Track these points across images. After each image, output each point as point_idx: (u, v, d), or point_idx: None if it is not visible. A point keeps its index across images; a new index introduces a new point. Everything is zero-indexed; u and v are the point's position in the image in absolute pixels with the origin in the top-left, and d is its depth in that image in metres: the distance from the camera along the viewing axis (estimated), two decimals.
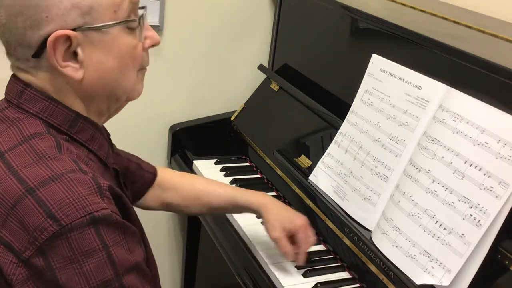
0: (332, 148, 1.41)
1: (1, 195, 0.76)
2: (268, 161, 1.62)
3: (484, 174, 1.03)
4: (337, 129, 1.41)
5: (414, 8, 1.57)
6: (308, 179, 1.44)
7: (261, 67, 1.86)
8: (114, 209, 0.79)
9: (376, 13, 1.43)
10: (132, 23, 0.86)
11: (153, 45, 0.91)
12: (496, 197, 1.00)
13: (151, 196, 1.26)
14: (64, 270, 0.74)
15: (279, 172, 1.55)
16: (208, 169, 1.70)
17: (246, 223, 1.43)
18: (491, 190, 1.01)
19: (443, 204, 1.08)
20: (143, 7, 0.89)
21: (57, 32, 0.79)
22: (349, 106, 1.39)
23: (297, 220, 1.22)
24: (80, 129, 0.87)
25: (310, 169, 1.46)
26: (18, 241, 0.74)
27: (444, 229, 1.07)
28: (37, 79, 0.84)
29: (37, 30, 0.79)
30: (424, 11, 1.54)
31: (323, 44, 1.65)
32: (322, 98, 1.59)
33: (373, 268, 1.20)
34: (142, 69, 0.92)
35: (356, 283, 1.26)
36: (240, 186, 1.59)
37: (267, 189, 1.60)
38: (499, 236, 1.01)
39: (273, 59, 1.89)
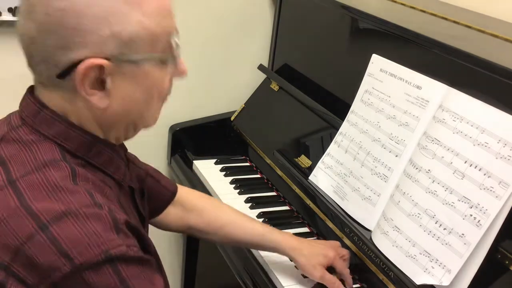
0: (332, 148, 1.41)
1: (13, 230, 0.72)
2: (268, 161, 1.62)
3: (484, 174, 1.03)
4: (337, 129, 1.41)
5: (414, 8, 1.57)
6: (308, 179, 1.44)
7: (261, 67, 1.86)
8: (131, 243, 0.76)
9: (376, 13, 1.43)
10: (168, 58, 0.83)
11: (180, 77, 0.88)
12: (496, 197, 1.00)
13: (173, 215, 1.20)
14: None
15: (279, 172, 1.55)
16: (208, 169, 1.70)
17: None
18: (491, 190, 1.01)
19: (443, 204, 1.08)
20: (177, 32, 0.85)
21: (91, 61, 0.75)
22: (349, 106, 1.39)
23: (329, 252, 1.20)
24: (96, 153, 0.83)
25: (310, 169, 1.46)
26: (31, 276, 0.71)
27: (444, 229, 1.07)
28: (56, 97, 0.80)
29: (69, 52, 0.75)
30: (424, 11, 1.54)
31: (323, 44, 1.65)
32: (322, 98, 1.59)
33: (373, 268, 1.20)
34: (164, 98, 0.88)
35: (356, 283, 1.26)
36: (240, 186, 1.59)
37: (267, 189, 1.60)
38: (499, 236, 1.01)
39: (273, 59, 1.89)
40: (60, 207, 0.73)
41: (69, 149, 0.81)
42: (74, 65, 0.76)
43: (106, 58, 0.76)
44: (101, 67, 0.76)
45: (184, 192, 1.22)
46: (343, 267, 1.21)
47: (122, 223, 0.76)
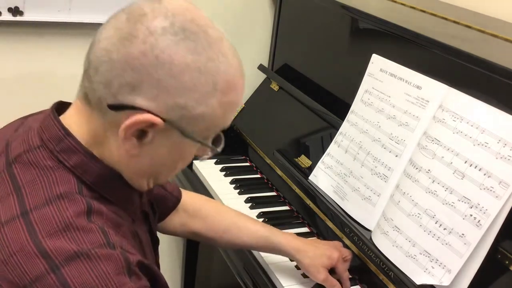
0: (332, 148, 1.41)
1: (22, 268, 0.69)
2: (268, 161, 1.62)
3: (484, 174, 1.03)
4: (337, 129, 1.41)
5: (414, 8, 1.57)
6: (308, 179, 1.44)
7: (261, 67, 1.86)
8: (142, 284, 0.74)
9: (376, 13, 1.43)
10: (212, 147, 0.82)
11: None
12: (496, 197, 1.00)
13: (177, 221, 1.19)
14: None
15: (279, 172, 1.55)
16: (208, 169, 1.70)
17: None
18: (491, 190, 1.01)
19: (443, 204, 1.08)
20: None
21: (151, 118, 0.73)
22: (349, 106, 1.39)
23: (333, 253, 1.20)
24: (112, 189, 0.81)
25: (310, 169, 1.46)
26: None
27: (444, 229, 1.07)
28: (90, 120, 0.78)
29: (136, 95, 0.73)
30: (424, 11, 1.54)
31: (323, 44, 1.65)
32: (322, 98, 1.59)
33: (373, 268, 1.20)
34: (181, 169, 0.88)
35: (356, 283, 1.26)
36: (240, 186, 1.59)
37: (267, 189, 1.60)
38: (499, 236, 1.01)
39: (273, 59, 1.89)
40: (72, 247, 0.70)
41: (86, 181, 0.78)
42: (133, 108, 0.73)
43: (163, 119, 0.74)
44: (154, 124, 0.74)
45: (187, 197, 1.21)
46: (344, 270, 1.21)
47: (134, 264, 0.74)
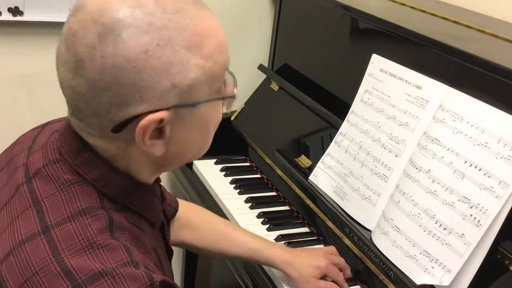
0: (332, 148, 1.41)
1: (44, 287, 0.67)
2: (268, 161, 1.62)
3: (484, 174, 1.03)
4: (337, 129, 1.41)
5: (414, 8, 1.57)
6: (308, 179, 1.44)
7: (261, 67, 1.86)
8: None
9: (376, 13, 1.43)
10: (223, 94, 0.79)
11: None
12: (496, 197, 1.00)
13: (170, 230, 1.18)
14: None
15: (279, 172, 1.55)
16: (208, 169, 1.70)
17: (246, 223, 1.43)
18: (491, 190, 1.01)
19: (443, 204, 1.08)
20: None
21: (152, 117, 0.70)
22: (349, 106, 1.39)
23: (320, 262, 1.20)
24: (135, 199, 0.79)
25: (310, 169, 1.46)
26: None
27: (444, 229, 1.07)
28: (106, 145, 0.75)
29: (125, 108, 0.70)
30: (424, 11, 1.54)
31: (323, 44, 1.65)
32: (322, 98, 1.59)
33: (373, 268, 1.20)
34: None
35: (356, 283, 1.26)
36: (240, 186, 1.59)
37: (267, 189, 1.60)
38: (499, 236, 1.01)
39: (273, 59, 1.89)
40: (96, 267, 0.68)
41: (108, 194, 0.76)
42: (132, 119, 0.71)
43: (166, 109, 0.71)
44: (161, 119, 0.71)
45: (180, 207, 1.20)
46: (337, 275, 1.21)
47: (158, 284, 0.70)
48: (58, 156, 0.77)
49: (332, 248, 1.27)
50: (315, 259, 1.21)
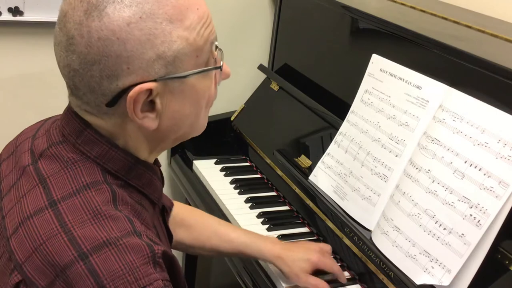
0: (332, 148, 1.41)
1: (52, 256, 0.71)
2: (268, 161, 1.62)
3: (484, 174, 1.03)
4: (337, 129, 1.41)
5: (414, 8, 1.57)
6: (308, 179, 1.44)
7: (261, 67, 1.86)
8: (165, 276, 0.74)
9: (376, 13, 1.43)
10: (212, 66, 0.82)
11: (224, 79, 0.87)
12: (496, 197, 1.00)
13: None
14: None
15: (279, 172, 1.55)
16: (208, 169, 1.70)
17: (246, 223, 1.43)
18: (491, 190, 1.01)
19: (443, 204, 1.08)
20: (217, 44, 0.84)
21: (140, 87, 0.74)
22: (349, 106, 1.39)
23: (312, 256, 1.21)
24: (136, 175, 0.82)
25: (310, 169, 1.46)
26: None
27: (444, 229, 1.07)
28: (104, 123, 0.79)
29: (115, 80, 0.74)
30: (424, 11, 1.54)
31: (323, 44, 1.65)
32: (322, 98, 1.59)
33: (373, 268, 1.20)
34: (211, 105, 0.88)
35: (356, 283, 1.26)
36: (240, 186, 1.60)
37: (267, 189, 1.60)
38: (499, 236, 1.01)
39: (273, 59, 1.89)
40: (101, 236, 0.71)
41: (110, 170, 0.79)
42: (123, 91, 0.75)
43: (154, 80, 0.75)
44: (150, 90, 0.75)
45: (175, 208, 1.21)
46: (331, 266, 1.22)
47: (159, 255, 0.74)
48: (61, 138, 0.81)
49: (327, 247, 1.28)
50: (306, 253, 1.21)
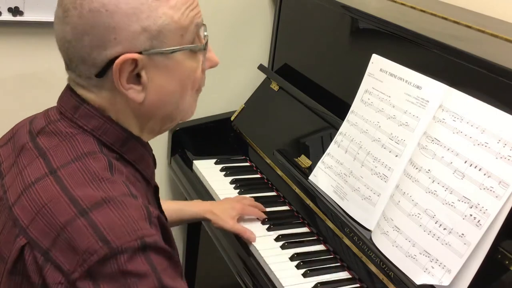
0: (332, 148, 1.41)
1: (54, 215, 0.75)
2: (268, 161, 1.62)
3: (484, 174, 1.03)
4: (337, 129, 1.41)
5: (414, 8, 1.57)
6: (308, 179, 1.44)
7: (261, 67, 1.86)
8: (160, 237, 0.78)
9: (376, 13, 1.44)
10: (197, 48, 0.86)
11: (211, 67, 0.92)
12: (496, 197, 1.00)
13: None
14: None
15: (279, 172, 1.55)
16: (208, 169, 1.70)
17: (245, 222, 1.43)
18: (491, 190, 1.01)
19: (443, 204, 1.08)
20: (203, 24, 0.88)
21: (125, 56, 0.79)
22: (349, 106, 1.39)
23: (236, 204, 1.42)
24: (130, 149, 0.87)
25: (310, 169, 1.46)
26: (68, 262, 0.73)
27: (444, 229, 1.07)
28: (95, 97, 0.84)
29: (104, 50, 0.79)
30: (424, 11, 1.54)
31: (323, 44, 1.65)
32: (322, 98, 1.59)
33: (373, 268, 1.20)
34: (198, 89, 0.92)
35: (356, 283, 1.26)
36: (240, 186, 1.60)
37: (267, 189, 1.60)
38: (499, 236, 1.01)
39: (273, 59, 1.89)
40: (100, 195, 0.75)
41: (105, 142, 0.84)
42: (111, 62, 0.79)
43: (139, 52, 0.79)
44: (134, 61, 0.80)
45: None
46: (252, 211, 1.44)
47: (155, 217, 0.78)
48: (59, 116, 0.86)
49: (240, 196, 1.51)
50: (231, 203, 1.43)
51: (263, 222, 1.44)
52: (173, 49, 0.82)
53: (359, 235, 1.25)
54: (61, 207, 0.75)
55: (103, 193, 0.76)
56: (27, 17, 1.61)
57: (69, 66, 0.84)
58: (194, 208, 1.41)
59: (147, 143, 0.92)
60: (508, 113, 1.02)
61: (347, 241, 1.28)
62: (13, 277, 0.76)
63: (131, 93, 0.82)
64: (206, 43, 0.88)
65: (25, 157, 0.84)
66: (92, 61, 0.80)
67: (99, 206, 0.74)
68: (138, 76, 0.82)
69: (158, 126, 0.91)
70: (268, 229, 1.42)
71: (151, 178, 0.92)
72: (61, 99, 0.88)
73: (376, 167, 1.27)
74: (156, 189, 0.97)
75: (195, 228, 1.92)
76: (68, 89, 0.87)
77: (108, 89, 0.83)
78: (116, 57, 0.79)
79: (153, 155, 0.95)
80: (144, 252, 0.73)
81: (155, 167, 0.96)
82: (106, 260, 0.71)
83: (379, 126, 1.29)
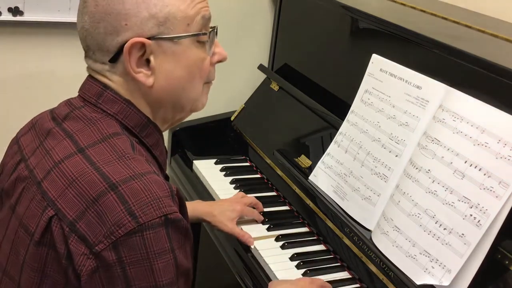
0: (332, 148, 1.41)
1: (84, 188, 0.79)
2: (268, 161, 1.62)
3: (484, 174, 1.03)
4: (337, 129, 1.41)
5: (414, 8, 1.57)
6: (308, 179, 1.44)
7: (261, 67, 1.86)
8: (180, 213, 0.83)
9: (376, 13, 1.44)
10: (202, 36, 0.91)
11: (220, 61, 0.98)
12: (496, 197, 1.00)
13: None
14: (135, 266, 0.77)
15: (279, 172, 1.55)
16: (208, 169, 1.70)
17: (245, 222, 1.43)
18: (491, 190, 1.01)
19: (443, 204, 1.08)
20: (214, 27, 0.95)
21: (133, 39, 0.84)
22: (349, 106, 1.39)
23: (236, 206, 1.39)
24: (148, 134, 0.92)
25: (310, 169, 1.46)
26: (93, 234, 0.77)
27: (444, 229, 1.07)
28: (112, 82, 0.90)
29: (116, 36, 0.85)
30: (424, 11, 1.54)
31: (323, 44, 1.65)
32: (322, 98, 1.59)
33: (373, 268, 1.20)
34: (208, 82, 0.97)
35: (356, 283, 1.26)
36: (240, 186, 1.60)
37: (267, 189, 1.60)
38: (499, 236, 1.01)
39: (273, 59, 1.89)
40: (127, 171, 0.81)
41: (127, 125, 0.89)
42: (122, 47, 0.85)
43: (147, 38, 0.85)
44: (143, 45, 0.85)
45: None
46: (252, 213, 1.42)
47: (175, 193, 0.84)
48: (82, 103, 0.91)
49: (240, 194, 1.48)
50: (231, 204, 1.40)
51: (263, 222, 1.44)
52: (179, 36, 0.87)
53: (359, 235, 1.25)
54: (92, 181, 0.79)
55: (130, 171, 0.81)
56: (27, 17, 1.61)
57: (87, 54, 0.91)
58: (193, 211, 1.37)
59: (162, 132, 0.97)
60: (508, 113, 1.02)
61: (347, 241, 1.28)
62: (40, 248, 0.81)
63: (141, 77, 0.87)
64: (211, 32, 0.93)
65: (52, 139, 0.88)
66: (106, 47, 0.86)
67: (127, 181, 0.79)
68: (148, 61, 0.87)
69: (170, 114, 0.95)
70: (268, 229, 1.42)
71: (164, 164, 0.97)
72: (82, 87, 0.92)
73: (376, 167, 1.27)
74: (166, 178, 1.00)
75: (195, 228, 1.92)
76: (89, 78, 0.92)
77: (121, 74, 0.89)
78: (127, 42, 0.84)
79: (165, 146, 1.00)
80: (166, 229, 0.79)
81: (166, 156, 1.00)
82: (132, 234, 0.76)
83: (379, 126, 1.29)
